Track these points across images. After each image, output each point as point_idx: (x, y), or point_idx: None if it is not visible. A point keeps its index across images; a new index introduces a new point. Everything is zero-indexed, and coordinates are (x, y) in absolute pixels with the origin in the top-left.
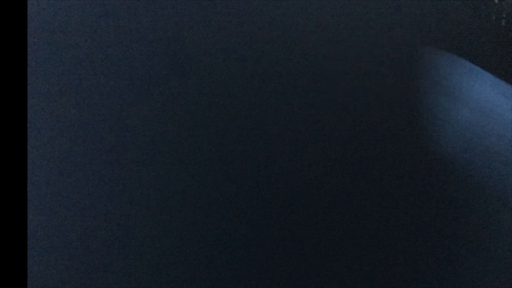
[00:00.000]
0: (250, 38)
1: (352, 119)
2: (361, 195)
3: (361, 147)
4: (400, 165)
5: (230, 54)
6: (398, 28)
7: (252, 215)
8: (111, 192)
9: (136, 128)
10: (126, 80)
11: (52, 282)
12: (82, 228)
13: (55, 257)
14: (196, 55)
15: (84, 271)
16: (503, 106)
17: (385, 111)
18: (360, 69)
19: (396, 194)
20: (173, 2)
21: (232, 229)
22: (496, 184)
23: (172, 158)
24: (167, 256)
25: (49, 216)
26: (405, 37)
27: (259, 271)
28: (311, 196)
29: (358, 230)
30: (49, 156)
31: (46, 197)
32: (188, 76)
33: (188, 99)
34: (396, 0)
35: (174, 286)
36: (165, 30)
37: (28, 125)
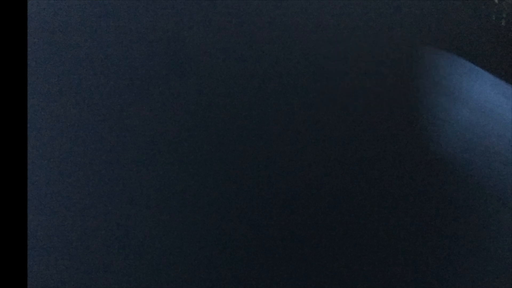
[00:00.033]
0: (250, 38)
1: (352, 119)
2: (361, 195)
3: (361, 147)
4: (400, 165)
5: (230, 54)
6: (398, 28)
7: (252, 215)
8: (111, 192)
9: (136, 128)
10: (126, 80)
11: (52, 282)
12: (82, 228)
13: (55, 257)
14: (196, 55)
15: (84, 271)
16: (503, 106)
17: (385, 111)
18: (360, 69)
19: (396, 194)
20: (173, 2)
21: (232, 229)
22: (496, 184)
23: (172, 158)
24: (167, 256)
25: (49, 216)
26: (405, 37)
27: (259, 271)
28: (311, 196)
29: (358, 230)
30: (49, 156)
31: (46, 197)
32: (188, 76)
33: (188, 99)
34: (396, 0)
35: (174, 286)
36: (165, 30)
37: (28, 125)
